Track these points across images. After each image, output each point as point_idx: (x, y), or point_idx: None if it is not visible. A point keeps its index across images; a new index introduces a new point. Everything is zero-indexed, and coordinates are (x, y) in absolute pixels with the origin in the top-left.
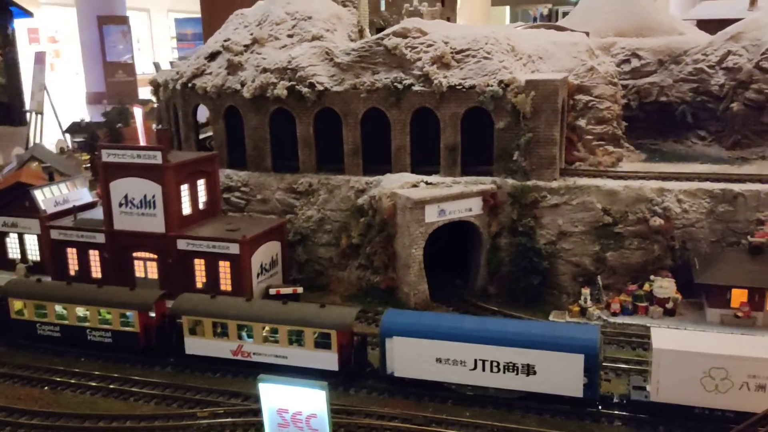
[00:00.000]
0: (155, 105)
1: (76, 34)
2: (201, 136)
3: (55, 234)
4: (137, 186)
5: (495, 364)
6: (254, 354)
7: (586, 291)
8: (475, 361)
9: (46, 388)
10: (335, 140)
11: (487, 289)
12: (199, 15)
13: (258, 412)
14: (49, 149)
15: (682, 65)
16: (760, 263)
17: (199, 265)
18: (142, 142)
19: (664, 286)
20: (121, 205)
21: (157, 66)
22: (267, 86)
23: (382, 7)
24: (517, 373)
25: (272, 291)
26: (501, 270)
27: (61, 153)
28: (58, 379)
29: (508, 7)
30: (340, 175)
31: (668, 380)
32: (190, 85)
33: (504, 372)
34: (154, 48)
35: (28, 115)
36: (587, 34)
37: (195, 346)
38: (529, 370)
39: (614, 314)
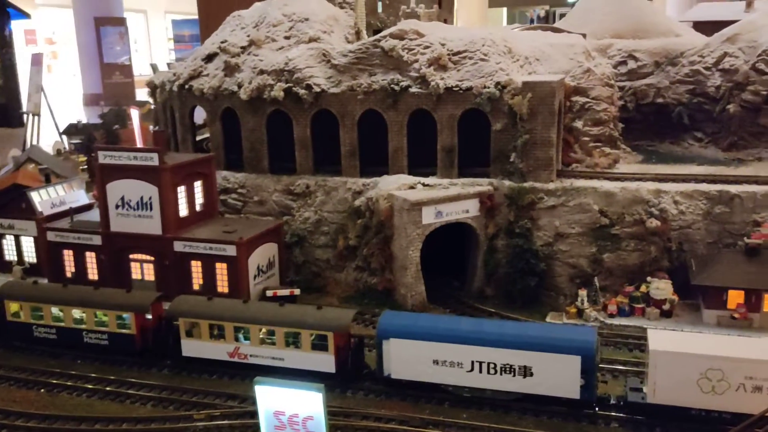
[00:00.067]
0: (152, 106)
1: (73, 36)
2: (198, 138)
3: (51, 236)
4: (134, 188)
5: (492, 365)
6: (251, 356)
7: (583, 292)
8: (472, 362)
9: (42, 390)
10: (332, 142)
11: (484, 290)
12: (196, 16)
13: (255, 414)
14: (46, 151)
15: (679, 67)
16: (756, 264)
17: (196, 266)
18: (139, 144)
19: (661, 288)
20: (117, 206)
21: (154, 67)
22: (264, 88)
23: (379, 9)
24: (514, 375)
25: (269, 293)
26: (498, 271)
27: (58, 155)
28: (55, 381)
29: (505, 9)
30: (337, 177)
31: (665, 382)
32: (186, 86)
33: (501, 374)
34: (152, 49)
35: (25, 116)
36: (584, 35)
37: (192, 348)
38: (526, 371)
39: (611, 316)
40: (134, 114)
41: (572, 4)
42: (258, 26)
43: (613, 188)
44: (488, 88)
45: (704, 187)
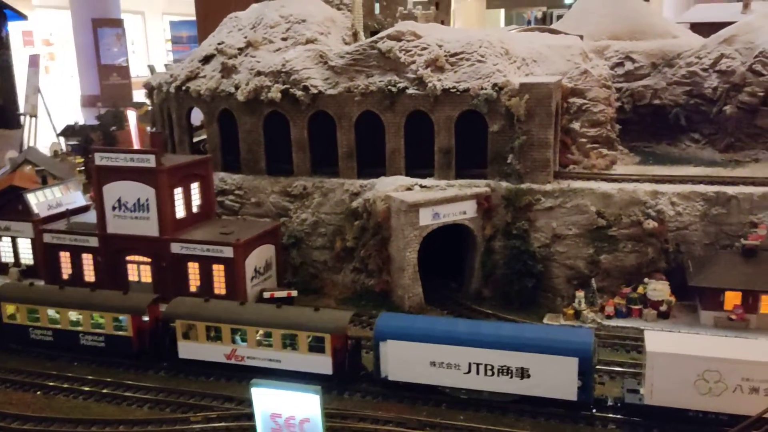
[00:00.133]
0: (150, 108)
1: (71, 37)
2: (195, 139)
3: (48, 238)
4: (131, 189)
5: (489, 367)
6: (248, 358)
7: (580, 294)
8: (470, 364)
9: (38, 392)
10: (329, 143)
11: (481, 292)
12: (193, 18)
13: (252, 416)
14: (43, 152)
15: (676, 68)
16: (753, 266)
17: (193, 268)
18: (136, 146)
19: (658, 289)
20: (114, 208)
21: (151, 69)
22: (261, 89)
23: (377, 10)
24: (511, 377)
25: (266, 294)
26: (495, 273)
27: (55, 156)
28: (51, 383)
29: (503, 11)
30: (334, 179)
31: (662, 383)
32: (184, 88)
33: (498, 375)
34: (149, 51)
35: (22, 118)
36: (581, 37)
37: (188, 350)
38: (524, 373)
39: (608, 317)
40: (131, 115)
41: (569, 6)
42: (255, 28)
43: (611, 189)
44: (485, 89)
45: (701, 188)
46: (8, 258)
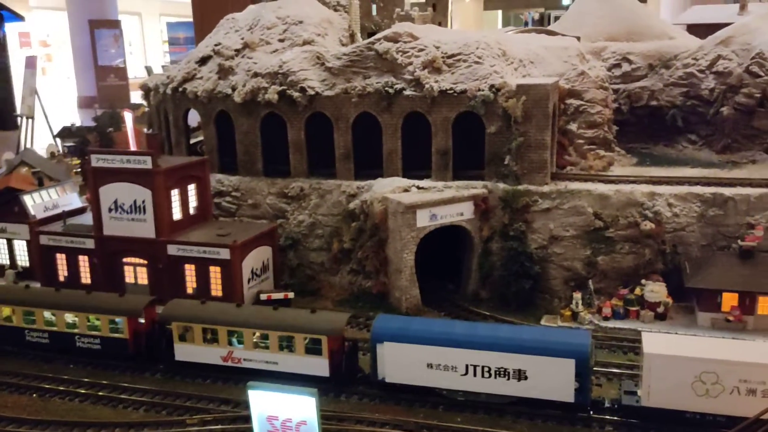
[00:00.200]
0: (146, 109)
1: (68, 38)
2: (192, 141)
3: (44, 239)
4: (127, 191)
5: (486, 369)
6: (245, 360)
7: (577, 295)
8: (467, 366)
9: (34, 395)
10: (326, 145)
11: (478, 293)
12: (191, 19)
13: (248, 419)
14: (40, 154)
15: (673, 69)
16: (750, 267)
17: (190, 270)
18: (133, 147)
19: (655, 290)
20: (110, 210)
21: (149, 70)
22: (258, 91)
23: (374, 12)
24: (508, 379)
25: (263, 296)
26: (492, 274)
27: (52, 158)
28: (47, 386)
29: (500, 12)
30: (331, 180)
31: (659, 385)
32: (180, 89)
33: (495, 377)
34: (146, 52)
35: (18, 119)
36: (578, 38)
37: (185, 352)
38: (521, 375)
39: (605, 318)
40: (128, 117)
41: (566, 7)
42: (252, 29)
43: (608, 191)
44: (482, 90)
45: (698, 189)
46: (4, 260)
